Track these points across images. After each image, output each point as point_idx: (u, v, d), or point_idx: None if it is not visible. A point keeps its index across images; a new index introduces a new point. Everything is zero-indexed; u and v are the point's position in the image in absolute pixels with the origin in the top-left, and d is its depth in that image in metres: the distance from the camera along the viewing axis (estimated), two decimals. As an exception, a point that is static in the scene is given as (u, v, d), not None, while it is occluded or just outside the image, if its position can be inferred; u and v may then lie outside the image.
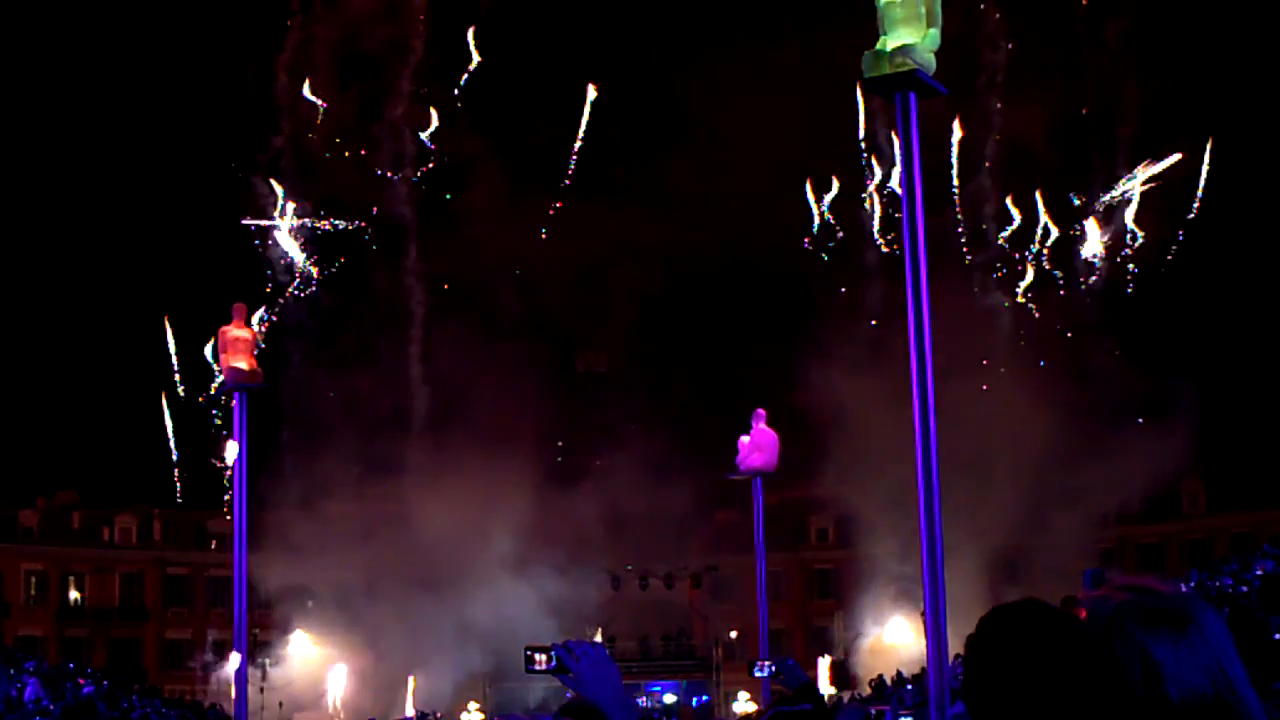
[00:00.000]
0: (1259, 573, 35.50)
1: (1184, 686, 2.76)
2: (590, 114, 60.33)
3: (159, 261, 66.94)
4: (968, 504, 57.68)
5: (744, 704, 67.79)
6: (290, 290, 59.76)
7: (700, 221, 66.86)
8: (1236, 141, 58.86)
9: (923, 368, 16.69)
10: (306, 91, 58.58)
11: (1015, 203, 57.78)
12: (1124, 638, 2.80)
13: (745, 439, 35.89)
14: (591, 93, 60.00)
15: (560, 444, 70.75)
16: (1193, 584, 39.88)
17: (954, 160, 57.87)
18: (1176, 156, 54.82)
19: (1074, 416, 59.07)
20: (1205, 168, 56.56)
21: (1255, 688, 2.88)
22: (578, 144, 61.03)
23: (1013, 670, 2.70)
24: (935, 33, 18.87)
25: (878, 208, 57.45)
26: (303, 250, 59.89)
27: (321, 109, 58.90)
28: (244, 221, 59.25)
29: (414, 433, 65.57)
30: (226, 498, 63.10)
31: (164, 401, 60.90)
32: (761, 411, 36.32)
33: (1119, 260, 58.65)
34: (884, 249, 56.06)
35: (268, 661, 68.76)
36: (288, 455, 64.46)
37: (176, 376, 58.10)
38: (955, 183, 58.28)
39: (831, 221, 58.88)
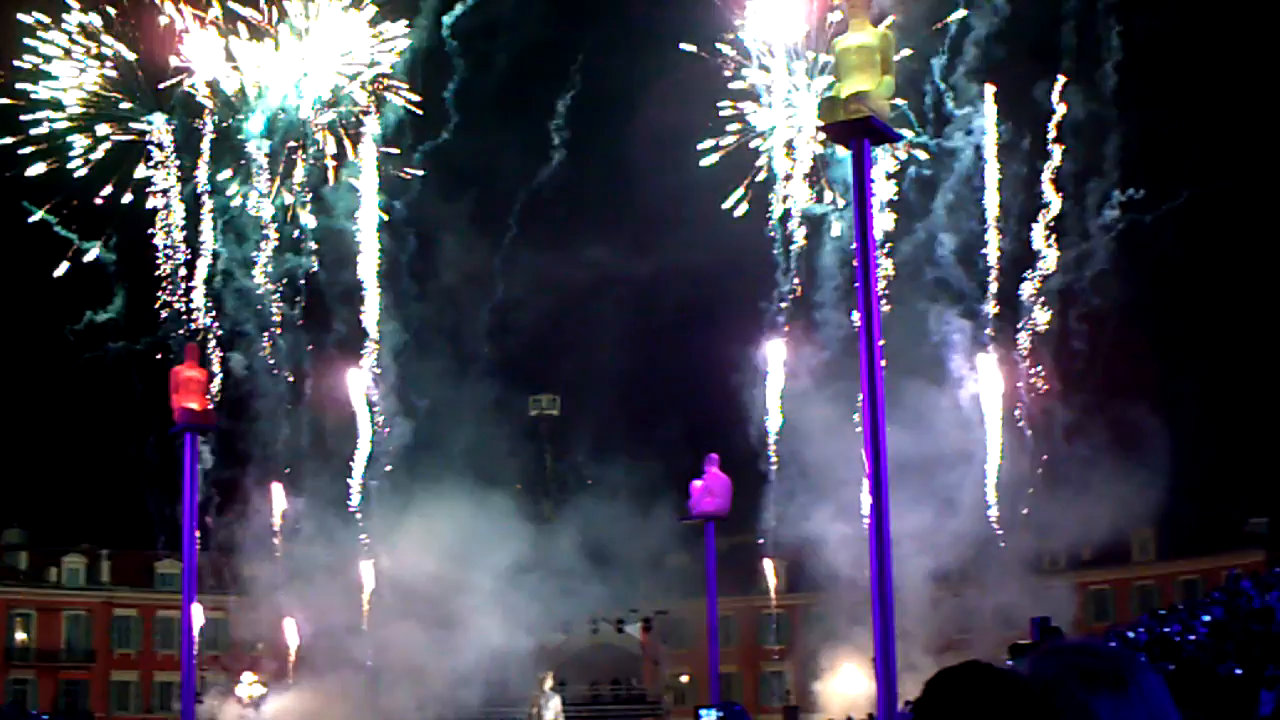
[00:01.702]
0: (1206, 619, 35.68)
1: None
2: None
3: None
4: (920, 547, 57.93)
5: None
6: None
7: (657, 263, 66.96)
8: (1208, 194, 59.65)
9: (875, 420, 16.76)
10: None
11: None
12: (1066, 698, 2.83)
13: (698, 483, 35.93)
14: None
15: (517, 486, 70.71)
16: (1141, 630, 40.06)
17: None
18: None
19: (1025, 463, 59.28)
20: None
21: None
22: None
23: None
24: (890, 80, 19.05)
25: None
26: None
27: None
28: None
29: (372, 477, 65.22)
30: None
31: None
32: (714, 456, 36.40)
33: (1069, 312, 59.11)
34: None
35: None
36: (255, 496, 64.12)
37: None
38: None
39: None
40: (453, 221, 65.44)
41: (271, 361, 61.18)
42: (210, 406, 30.00)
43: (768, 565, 78.98)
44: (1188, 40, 58.88)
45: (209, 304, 59.23)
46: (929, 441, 55.04)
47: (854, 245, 17.93)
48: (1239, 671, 25.46)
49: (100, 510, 75.97)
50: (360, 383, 62.37)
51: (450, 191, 63.85)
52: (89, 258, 59.42)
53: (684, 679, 79.10)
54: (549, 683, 62.77)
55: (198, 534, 28.89)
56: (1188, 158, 59.93)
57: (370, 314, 61.75)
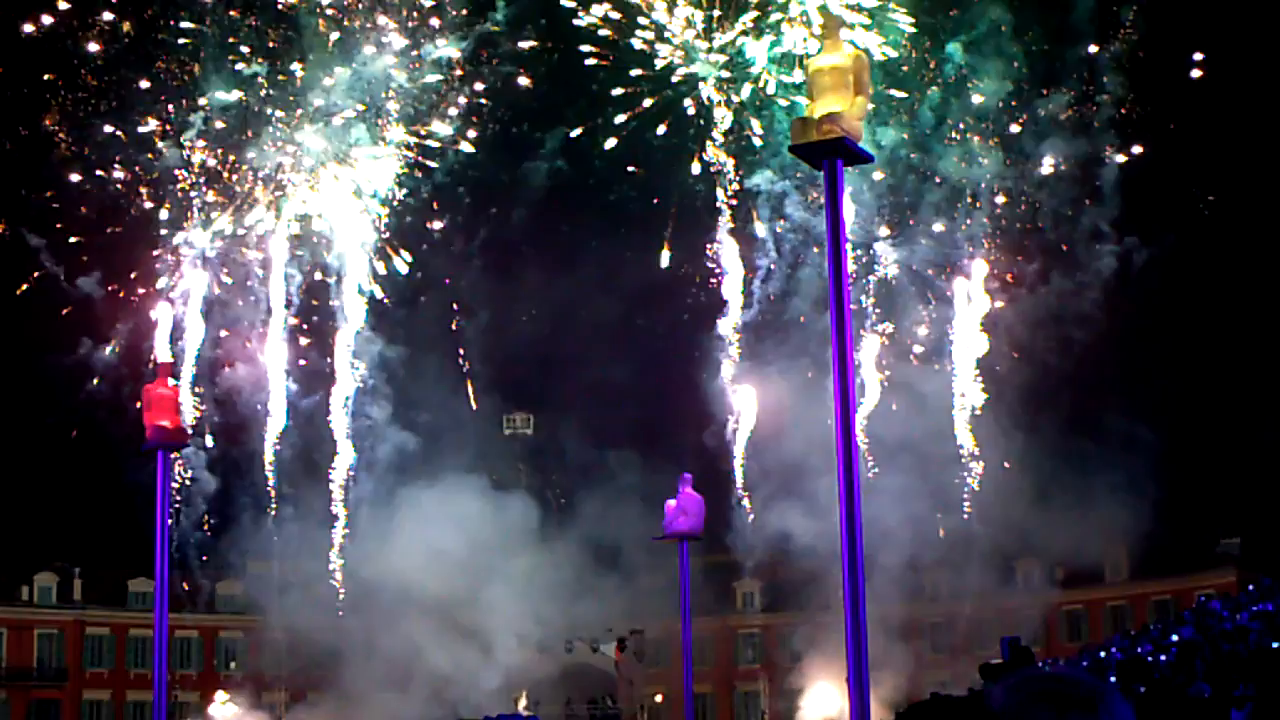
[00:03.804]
0: (1175, 639, 35.81)
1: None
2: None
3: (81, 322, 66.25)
4: (894, 567, 58.03)
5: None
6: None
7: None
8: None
9: (848, 441, 16.78)
10: None
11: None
12: None
13: (672, 503, 35.95)
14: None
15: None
16: (1115, 650, 40.15)
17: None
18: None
19: (1002, 487, 59.44)
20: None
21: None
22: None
23: None
24: (863, 100, 19.11)
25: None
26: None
27: None
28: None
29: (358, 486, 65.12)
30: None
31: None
32: (688, 475, 36.43)
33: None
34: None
35: None
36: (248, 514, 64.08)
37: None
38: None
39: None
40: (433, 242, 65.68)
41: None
42: (182, 424, 29.92)
43: (743, 585, 79.19)
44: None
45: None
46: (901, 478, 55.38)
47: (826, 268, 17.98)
48: (1210, 692, 25.53)
49: (73, 528, 75.56)
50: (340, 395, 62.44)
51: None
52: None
53: (658, 699, 78.96)
54: (523, 702, 62.73)
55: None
56: (1166, 191, 60.31)
57: (346, 339, 61.87)
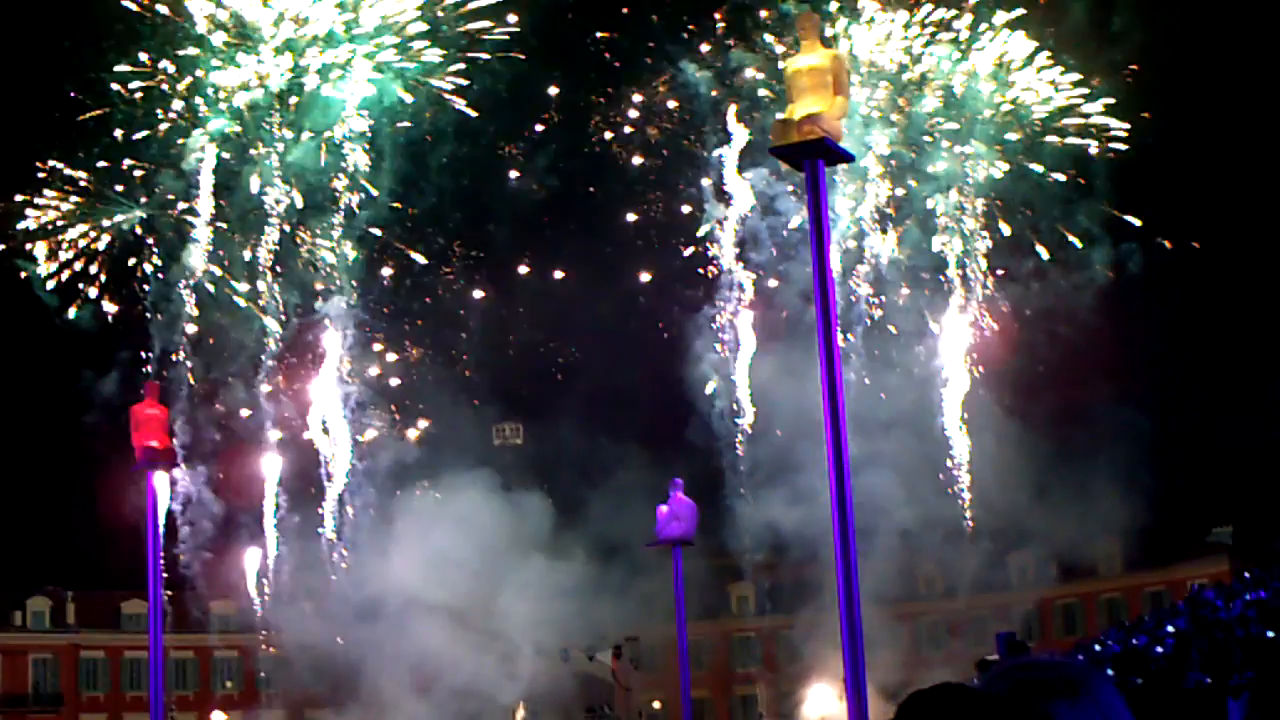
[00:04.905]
0: (1170, 629, 35.81)
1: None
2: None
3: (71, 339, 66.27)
4: (888, 566, 58.04)
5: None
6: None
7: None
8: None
9: (838, 445, 16.79)
10: None
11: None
12: (1026, 709, 2.90)
13: (664, 508, 35.95)
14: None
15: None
16: (1111, 643, 40.16)
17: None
18: None
19: (994, 481, 59.43)
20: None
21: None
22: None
23: None
24: (843, 100, 19.14)
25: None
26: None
27: None
28: None
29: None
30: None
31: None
32: (679, 480, 36.43)
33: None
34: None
35: None
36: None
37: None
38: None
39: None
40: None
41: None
42: (171, 444, 29.89)
43: (739, 588, 79.23)
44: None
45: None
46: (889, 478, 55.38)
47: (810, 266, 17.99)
48: (1206, 682, 25.57)
49: (64, 551, 75.53)
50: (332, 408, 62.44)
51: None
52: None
53: (656, 705, 78.95)
54: (520, 713, 62.63)
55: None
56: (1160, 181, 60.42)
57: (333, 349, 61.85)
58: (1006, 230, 58.48)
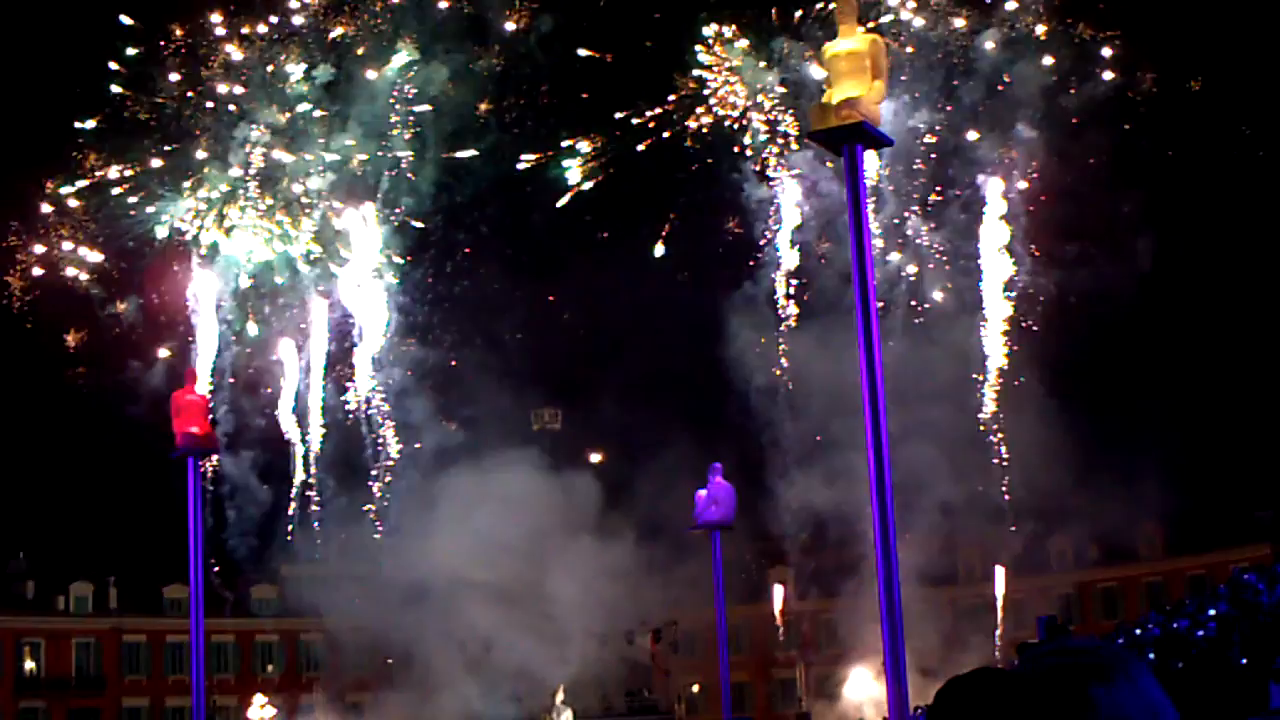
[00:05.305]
0: (1211, 612, 35.73)
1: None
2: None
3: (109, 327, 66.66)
4: (929, 549, 58.00)
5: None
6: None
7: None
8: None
9: (877, 427, 16.77)
10: None
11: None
12: (1065, 693, 2.91)
13: (703, 492, 35.95)
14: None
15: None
16: (1152, 626, 40.08)
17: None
18: None
19: (1035, 464, 59.24)
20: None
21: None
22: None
23: None
24: (880, 84, 19.07)
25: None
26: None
27: None
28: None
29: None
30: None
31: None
32: (718, 465, 36.41)
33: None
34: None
35: None
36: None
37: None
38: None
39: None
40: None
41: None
42: (211, 430, 30.01)
43: (778, 572, 79.17)
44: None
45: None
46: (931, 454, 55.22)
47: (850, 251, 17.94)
48: (1247, 665, 25.49)
49: (106, 537, 75.97)
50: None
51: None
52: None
53: (695, 688, 79.01)
54: (560, 695, 62.78)
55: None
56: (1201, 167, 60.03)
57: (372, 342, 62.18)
58: (1051, 212, 58.21)
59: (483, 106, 60.98)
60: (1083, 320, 59.53)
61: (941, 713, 2.88)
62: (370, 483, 63.84)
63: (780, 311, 59.31)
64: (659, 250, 62.82)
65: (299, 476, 63.05)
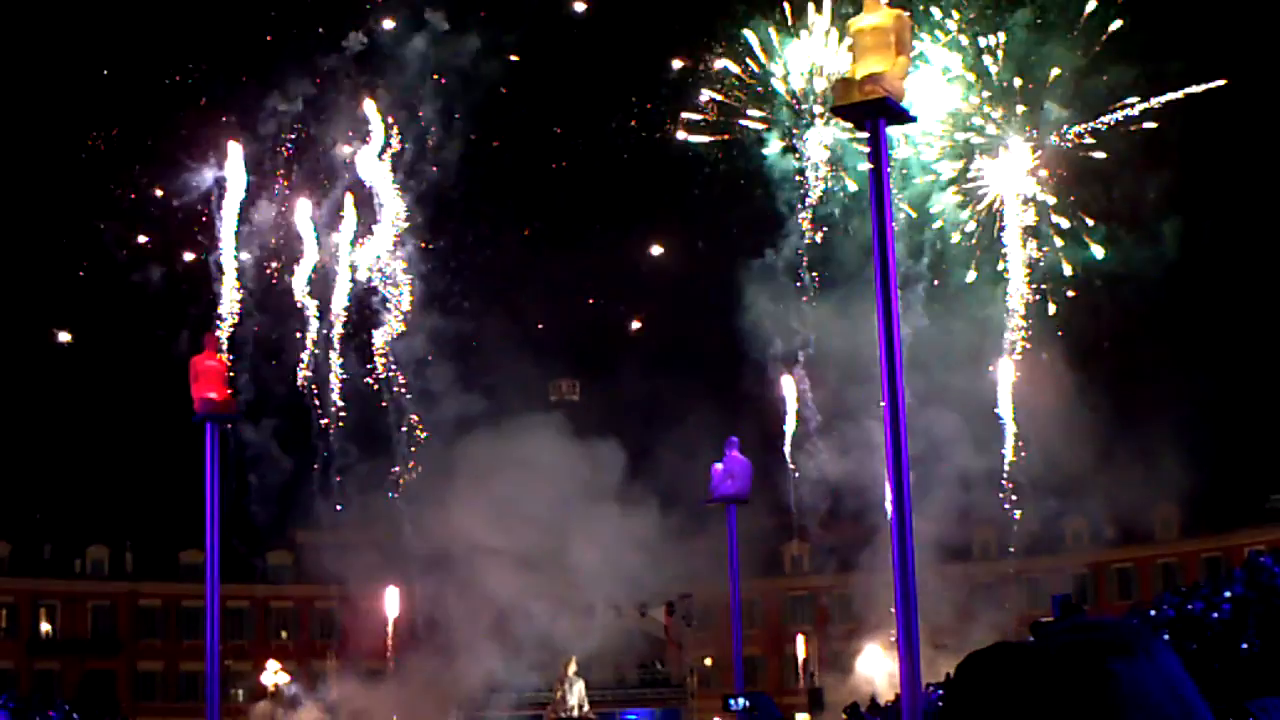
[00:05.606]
0: (1227, 595, 35.67)
1: (1142, 697, 2.87)
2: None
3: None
4: (943, 528, 57.95)
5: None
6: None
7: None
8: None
9: (895, 405, 16.76)
10: None
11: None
12: (1083, 667, 2.90)
13: (719, 466, 35.98)
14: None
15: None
16: (1167, 608, 40.04)
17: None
18: None
19: (1053, 442, 59.14)
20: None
21: (1231, 707, 2.94)
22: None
23: (993, 716, 2.82)
24: (905, 60, 19.02)
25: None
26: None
27: None
28: None
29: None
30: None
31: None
32: (734, 439, 36.44)
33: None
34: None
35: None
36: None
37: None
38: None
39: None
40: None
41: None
42: (230, 395, 30.03)
43: (792, 547, 79.27)
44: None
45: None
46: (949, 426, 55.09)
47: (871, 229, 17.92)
48: (1262, 647, 25.47)
49: (124, 501, 76.29)
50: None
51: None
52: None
53: (708, 662, 79.12)
54: (572, 667, 62.87)
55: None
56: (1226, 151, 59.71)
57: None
58: (1074, 194, 57.95)
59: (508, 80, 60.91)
60: (1105, 300, 59.38)
61: (961, 687, 2.88)
62: (390, 449, 63.86)
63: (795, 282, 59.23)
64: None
65: (329, 443, 63.11)
